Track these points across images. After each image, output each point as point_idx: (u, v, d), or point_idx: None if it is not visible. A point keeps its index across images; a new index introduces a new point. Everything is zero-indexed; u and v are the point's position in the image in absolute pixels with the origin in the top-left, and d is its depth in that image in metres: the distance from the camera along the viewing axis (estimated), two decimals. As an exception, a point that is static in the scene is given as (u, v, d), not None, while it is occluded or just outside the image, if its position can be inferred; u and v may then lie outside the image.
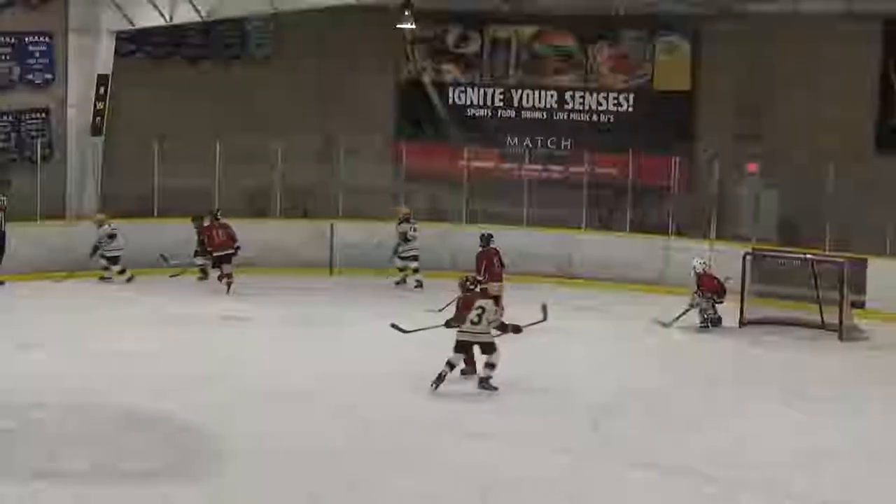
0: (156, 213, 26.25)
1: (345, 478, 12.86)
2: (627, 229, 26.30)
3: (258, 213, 27.39)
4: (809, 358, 19.81)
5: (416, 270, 24.97)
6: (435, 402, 15.95)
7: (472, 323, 16.37)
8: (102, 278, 24.69)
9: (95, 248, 24.61)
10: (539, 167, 28.31)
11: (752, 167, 26.83)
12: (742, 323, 21.66)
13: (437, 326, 16.99)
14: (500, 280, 20.67)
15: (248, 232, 25.05)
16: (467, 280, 17.22)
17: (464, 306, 16.64)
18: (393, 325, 17.57)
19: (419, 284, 24.66)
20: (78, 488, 12.36)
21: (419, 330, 17.32)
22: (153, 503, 12.01)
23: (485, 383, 16.41)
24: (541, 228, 26.28)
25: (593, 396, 16.51)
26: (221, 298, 23.13)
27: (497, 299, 17.37)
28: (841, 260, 21.71)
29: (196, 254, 24.82)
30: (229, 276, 23.76)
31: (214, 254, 23.99)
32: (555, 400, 16.33)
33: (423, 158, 28.03)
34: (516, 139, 28.74)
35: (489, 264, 21.20)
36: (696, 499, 12.66)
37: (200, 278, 24.85)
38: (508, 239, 23.35)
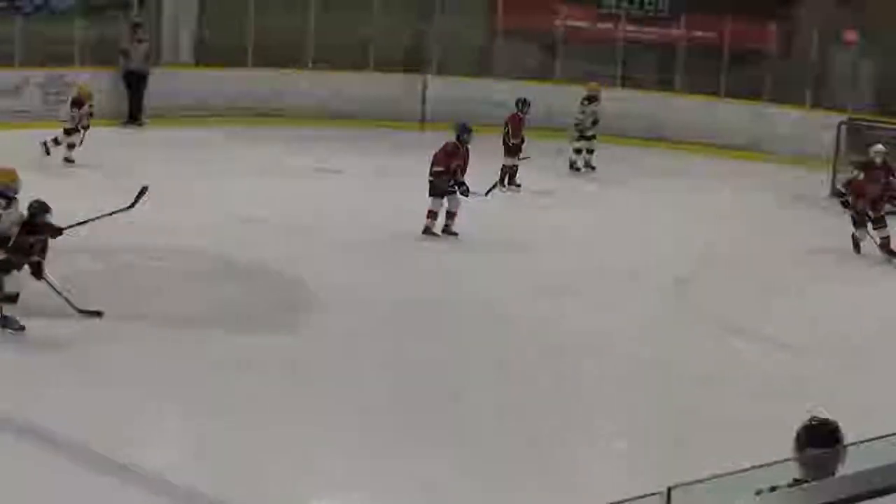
0: (250, 64, 26.20)
1: (431, 327, 13.06)
2: (722, 94, 25.91)
3: (354, 66, 27.05)
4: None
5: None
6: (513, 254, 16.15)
7: None
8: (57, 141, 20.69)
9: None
10: (635, 28, 27.72)
11: (851, 36, 26.13)
12: (834, 193, 21.15)
13: None
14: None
15: (341, 83, 25.17)
16: None
17: None
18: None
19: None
20: (168, 332, 12.54)
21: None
22: (245, 352, 12.02)
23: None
24: (634, 90, 26.02)
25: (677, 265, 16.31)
26: (312, 151, 22.99)
27: None
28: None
29: None
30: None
31: None
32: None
33: (518, 14, 27.56)
34: (614, -1, 28.06)
35: None
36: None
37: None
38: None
